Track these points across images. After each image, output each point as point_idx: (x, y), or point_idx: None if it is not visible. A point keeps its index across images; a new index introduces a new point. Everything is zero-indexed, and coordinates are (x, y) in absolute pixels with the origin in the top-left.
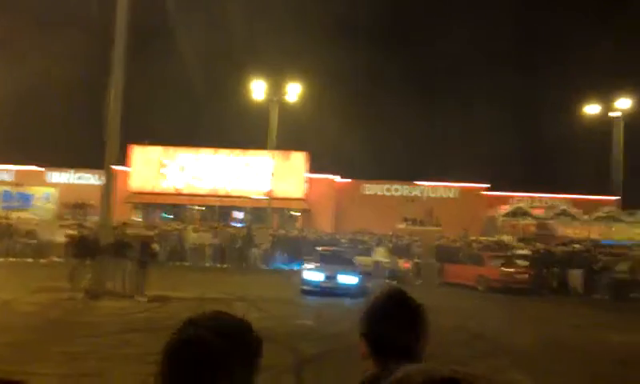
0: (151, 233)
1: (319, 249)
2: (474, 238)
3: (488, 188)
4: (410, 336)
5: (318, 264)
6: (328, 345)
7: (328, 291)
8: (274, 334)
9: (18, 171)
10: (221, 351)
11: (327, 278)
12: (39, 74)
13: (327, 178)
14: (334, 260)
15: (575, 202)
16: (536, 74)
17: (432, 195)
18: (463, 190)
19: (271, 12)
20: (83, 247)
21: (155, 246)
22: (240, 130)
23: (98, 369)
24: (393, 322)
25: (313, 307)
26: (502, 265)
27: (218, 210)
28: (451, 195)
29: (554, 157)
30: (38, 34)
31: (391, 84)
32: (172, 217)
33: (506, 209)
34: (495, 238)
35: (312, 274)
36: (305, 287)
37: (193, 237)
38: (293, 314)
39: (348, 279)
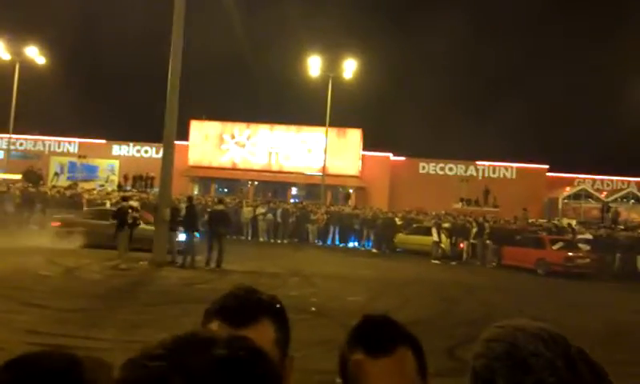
0: (222, 206)
1: None
2: (532, 220)
3: (548, 169)
4: None
5: None
6: None
7: None
8: (325, 310)
9: (81, 143)
10: None
11: None
12: (104, 47)
13: (382, 156)
14: None
15: None
16: (604, 55)
17: (491, 175)
18: (522, 170)
19: None
20: (118, 218)
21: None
22: (296, 107)
23: (155, 337)
24: None
25: (365, 283)
26: (564, 249)
27: (272, 186)
28: (509, 175)
29: (620, 139)
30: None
31: (449, 63)
32: (227, 191)
33: (568, 191)
34: (554, 221)
35: None
36: None
37: (248, 211)
38: (345, 290)
39: None
